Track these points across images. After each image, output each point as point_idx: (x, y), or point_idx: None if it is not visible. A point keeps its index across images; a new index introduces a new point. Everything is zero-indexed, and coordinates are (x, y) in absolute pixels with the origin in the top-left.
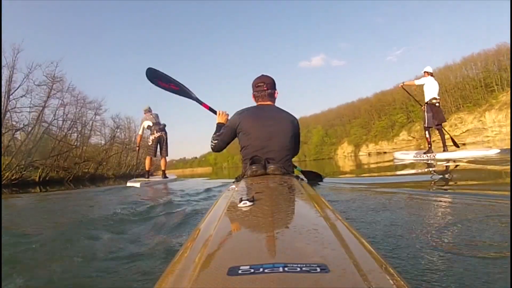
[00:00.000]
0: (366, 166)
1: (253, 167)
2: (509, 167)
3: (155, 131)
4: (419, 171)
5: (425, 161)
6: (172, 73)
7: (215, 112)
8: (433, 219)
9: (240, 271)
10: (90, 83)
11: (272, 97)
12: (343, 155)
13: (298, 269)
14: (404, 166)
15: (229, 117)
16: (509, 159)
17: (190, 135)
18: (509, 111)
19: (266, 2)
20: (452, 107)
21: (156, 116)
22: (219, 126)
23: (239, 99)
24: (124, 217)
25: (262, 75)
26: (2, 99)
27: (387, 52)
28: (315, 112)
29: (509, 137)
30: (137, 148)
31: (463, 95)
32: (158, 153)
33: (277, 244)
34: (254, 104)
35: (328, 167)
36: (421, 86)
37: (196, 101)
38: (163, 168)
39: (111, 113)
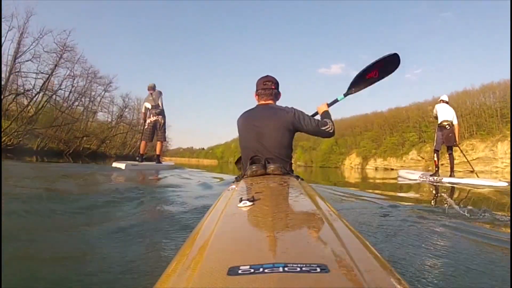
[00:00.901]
0: (371, 180)
1: (253, 167)
2: None
3: (151, 115)
4: (424, 195)
5: (430, 183)
6: (189, 68)
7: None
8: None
9: (240, 271)
10: (104, 60)
11: (276, 97)
12: (350, 166)
13: (298, 269)
14: (409, 187)
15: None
16: None
17: (201, 126)
18: None
19: (292, 5)
20: (465, 132)
21: (159, 94)
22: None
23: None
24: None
25: (268, 75)
26: (6, 60)
27: (407, 69)
28: None
29: None
30: (143, 121)
31: (478, 122)
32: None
33: (277, 244)
34: (255, 103)
35: (333, 176)
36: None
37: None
38: (157, 153)
39: (122, 91)
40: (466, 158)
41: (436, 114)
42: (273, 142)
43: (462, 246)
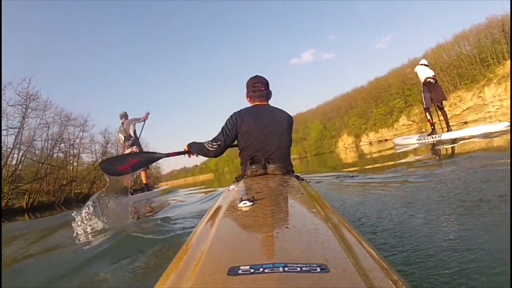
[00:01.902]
0: (368, 156)
1: (253, 167)
2: None
3: (125, 148)
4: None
5: (430, 143)
6: (157, 77)
7: (184, 153)
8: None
9: (240, 271)
10: (73, 100)
11: (267, 97)
12: (344, 147)
13: (298, 269)
14: (407, 154)
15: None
16: None
17: (185, 142)
18: (508, 83)
19: (250, 2)
20: (449, 86)
21: (130, 122)
22: (193, 145)
23: (231, 98)
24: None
25: (257, 75)
26: None
27: (376, 39)
28: (311, 107)
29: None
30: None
31: (460, 73)
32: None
33: (277, 244)
34: (248, 104)
35: (330, 161)
36: (416, 74)
37: (166, 157)
38: (144, 182)
39: (100, 128)
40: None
41: (418, 75)
42: (282, 142)
43: None
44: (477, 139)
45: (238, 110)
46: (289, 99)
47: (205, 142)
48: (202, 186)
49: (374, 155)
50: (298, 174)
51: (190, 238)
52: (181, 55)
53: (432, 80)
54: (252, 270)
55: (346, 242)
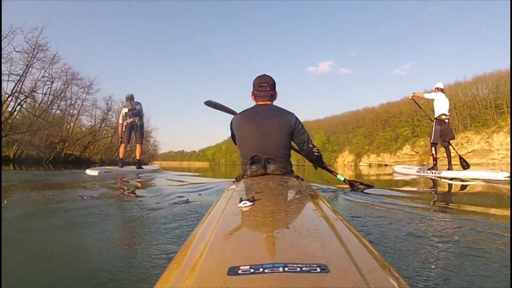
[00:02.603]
0: (365, 177)
1: (253, 167)
2: None
3: (128, 117)
4: (424, 189)
5: (429, 178)
6: (177, 71)
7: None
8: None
9: (240, 271)
10: (83, 60)
11: (272, 97)
12: (343, 163)
13: (298, 269)
14: (406, 183)
15: None
16: None
17: (191, 129)
18: None
19: (279, 4)
20: (459, 125)
21: (136, 104)
22: None
23: (245, 96)
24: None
25: (265, 75)
26: None
27: (396, 65)
28: (318, 117)
29: None
30: (119, 138)
31: (472, 114)
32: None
33: (277, 244)
34: (253, 102)
35: (326, 174)
36: (431, 101)
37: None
38: (137, 157)
39: (104, 94)
40: (457, 153)
41: (434, 104)
42: (274, 142)
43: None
44: (474, 182)
45: (239, 112)
46: (298, 105)
47: None
48: (196, 174)
49: (372, 177)
50: (297, 175)
51: (190, 237)
52: (205, 52)
53: (446, 120)
54: (252, 270)
55: (346, 242)
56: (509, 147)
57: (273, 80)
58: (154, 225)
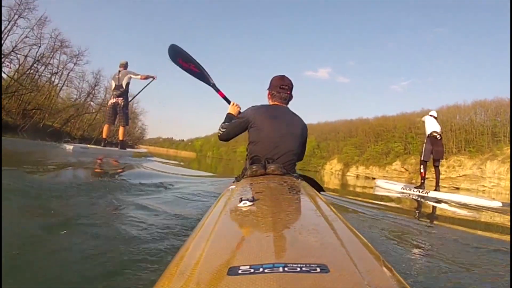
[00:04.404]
0: (351, 188)
1: (253, 167)
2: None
3: (112, 97)
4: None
5: (414, 196)
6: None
7: (229, 102)
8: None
9: (240, 271)
10: (78, 32)
11: (289, 101)
12: (331, 171)
13: (298, 269)
14: (390, 199)
15: (241, 110)
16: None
17: (182, 117)
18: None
19: (282, 8)
20: (453, 147)
21: (126, 74)
22: (229, 116)
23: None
24: None
25: (286, 77)
26: None
27: (394, 80)
28: (311, 121)
29: (509, 191)
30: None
31: (468, 138)
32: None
33: (277, 244)
34: (265, 102)
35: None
36: (422, 123)
37: (213, 88)
38: (120, 138)
39: (93, 68)
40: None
41: (425, 125)
42: (292, 146)
43: None
44: (460, 209)
45: (257, 105)
46: (291, 106)
47: (221, 124)
48: (182, 163)
49: (358, 188)
50: (299, 174)
51: (190, 237)
52: (203, 46)
53: (438, 136)
54: (252, 270)
55: (346, 242)
56: (502, 176)
57: (292, 84)
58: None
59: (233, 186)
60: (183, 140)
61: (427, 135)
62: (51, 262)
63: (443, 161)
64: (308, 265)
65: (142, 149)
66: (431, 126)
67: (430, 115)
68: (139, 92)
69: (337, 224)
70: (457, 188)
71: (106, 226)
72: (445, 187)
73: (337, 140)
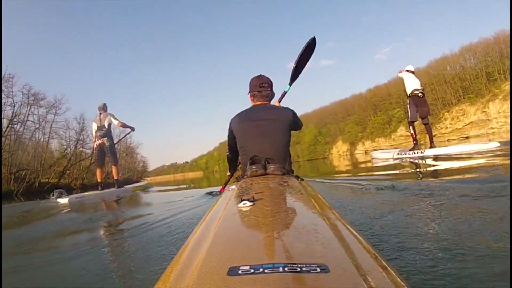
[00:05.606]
0: (363, 165)
1: (253, 167)
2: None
3: (96, 138)
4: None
5: (411, 159)
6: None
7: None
8: None
9: (240, 271)
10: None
11: (271, 98)
12: (338, 154)
13: (298, 269)
14: (391, 167)
15: None
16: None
17: (180, 139)
18: None
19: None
20: (452, 99)
21: (107, 116)
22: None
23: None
24: None
25: (263, 75)
26: None
27: (376, 50)
28: (306, 111)
29: None
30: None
31: (464, 86)
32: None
33: (277, 244)
34: (250, 103)
35: (322, 167)
36: (402, 80)
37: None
38: (115, 178)
39: (75, 114)
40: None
41: (404, 83)
42: (275, 141)
43: None
44: (458, 159)
45: (235, 115)
46: (283, 102)
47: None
48: (192, 186)
49: (369, 164)
50: (297, 175)
51: (190, 237)
52: (174, 54)
53: (420, 94)
54: (252, 270)
55: (346, 242)
56: (507, 113)
57: (271, 81)
58: None
59: (233, 186)
60: (187, 162)
61: (408, 95)
62: None
63: (446, 115)
64: (308, 265)
65: (144, 181)
66: (411, 83)
67: (407, 70)
68: (117, 142)
69: (337, 224)
70: (467, 137)
71: None
72: (454, 139)
73: (337, 122)
